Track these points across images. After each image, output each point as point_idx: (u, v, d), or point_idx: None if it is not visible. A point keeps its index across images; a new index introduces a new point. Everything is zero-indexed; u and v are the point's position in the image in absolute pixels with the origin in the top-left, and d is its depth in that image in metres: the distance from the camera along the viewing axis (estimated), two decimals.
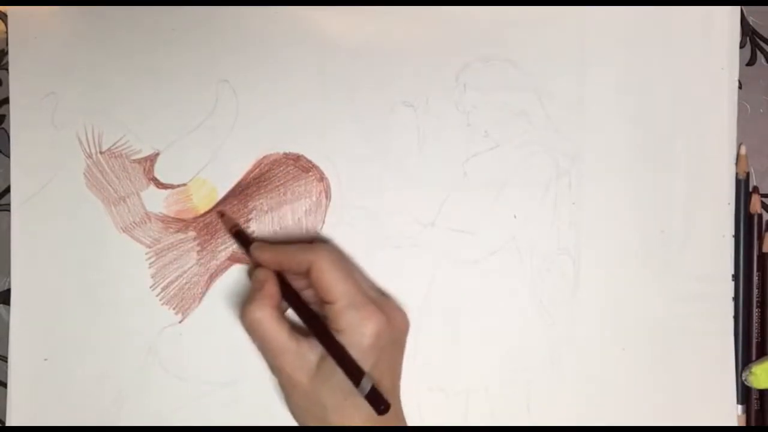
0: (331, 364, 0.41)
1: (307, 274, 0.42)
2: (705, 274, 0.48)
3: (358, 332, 0.41)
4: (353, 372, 0.40)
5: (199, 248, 0.48)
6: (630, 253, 0.48)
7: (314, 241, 0.47)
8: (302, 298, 0.44)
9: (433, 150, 0.48)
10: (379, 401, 0.39)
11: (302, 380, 0.41)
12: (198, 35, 0.48)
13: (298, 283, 0.44)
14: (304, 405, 0.42)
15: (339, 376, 0.40)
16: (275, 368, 0.42)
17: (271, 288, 0.43)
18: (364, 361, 0.41)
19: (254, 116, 0.48)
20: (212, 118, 0.48)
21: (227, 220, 0.47)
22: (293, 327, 0.42)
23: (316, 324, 0.42)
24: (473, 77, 0.48)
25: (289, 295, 0.43)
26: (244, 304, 0.42)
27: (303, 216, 0.48)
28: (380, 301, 0.43)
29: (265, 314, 0.41)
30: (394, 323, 0.42)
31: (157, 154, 0.48)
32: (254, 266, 0.45)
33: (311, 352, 0.42)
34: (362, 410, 0.40)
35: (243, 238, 0.47)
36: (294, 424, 0.44)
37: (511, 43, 0.48)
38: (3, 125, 0.49)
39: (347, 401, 0.41)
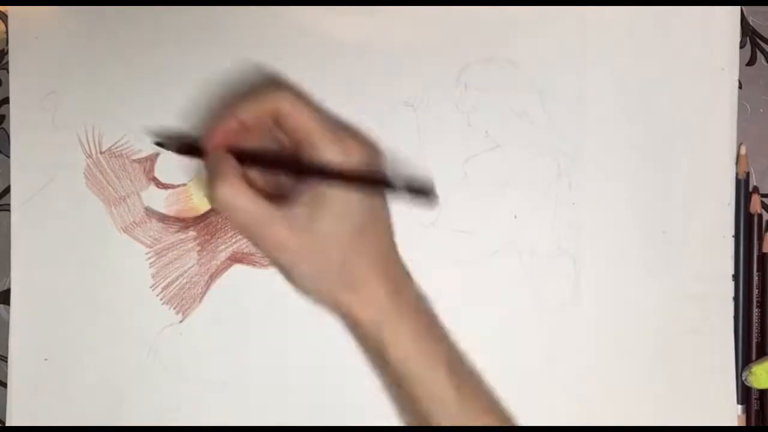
0: (325, 207, 0.38)
1: (276, 124, 0.40)
2: (705, 274, 0.48)
3: (350, 152, 0.39)
4: (376, 181, 0.37)
5: (199, 248, 0.48)
6: (630, 253, 0.48)
7: (266, 86, 0.44)
8: (270, 153, 0.41)
9: (434, 150, 0.48)
10: (425, 189, 0.35)
11: (302, 239, 0.38)
12: (199, 35, 0.48)
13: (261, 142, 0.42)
14: (314, 268, 0.39)
15: (339, 210, 0.38)
16: (268, 244, 0.39)
17: (227, 162, 0.39)
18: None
19: None
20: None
21: (170, 145, 0.44)
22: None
23: (303, 165, 0.39)
24: (474, 77, 0.48)
25: (257, 159, 0.41)
26: (211, 190, 0.39)
27: None
28: (353, 133, 0.41)
29: (234, 186, 0.38)
30: (373, 153, 0.41)
31: (158, 154, 0.48)
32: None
33: (298, 206, 0.39)
34: (376, 237, 0.39)
35: (193, 149, 0.43)
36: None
37: (511, 44, 0.48)
38: (3, 125, 0.49)
39: (360, 235, 0.39)
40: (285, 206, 0.39)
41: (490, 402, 0.43)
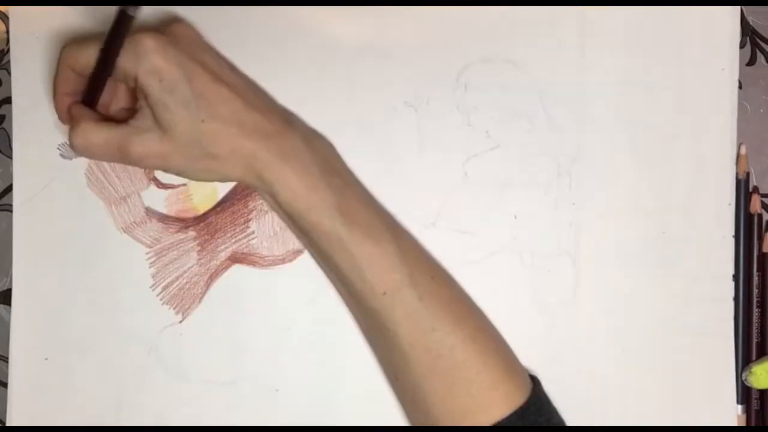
0: (164, 111, 0.40)
1: (80, 74, 0.43)
2: (705, 275, 0.48)
3: (143, 53, 0.40)
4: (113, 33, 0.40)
5: (199, 248, 0.48)
6: (630, 253, 0.48)
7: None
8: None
9: (434, 150, 0.48)
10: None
11: (155, 135, 0.41)
12: None
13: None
14: (184, 155, 0.41)
15: (174, 108, 0.40)
16: (134, 161, 0.42)
17: (75, 111, 0.42)
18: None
19: None
20: None
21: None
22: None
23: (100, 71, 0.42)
24: (474, 77, 0.48)
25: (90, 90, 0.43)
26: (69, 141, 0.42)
27: None
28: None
29: (86, 131, 0.41)
30: (169, 33, 0.42)
31: None
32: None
33: (143, 118, 0.41)
34: (204, 84, 0.41)
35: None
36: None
37: (511, 44, 0.48)
38: (4, 125, 0.49)
39: (205, 121, 0.41)
40: (130, 122, 0.41)
41: (400, 249, 0.43)
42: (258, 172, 0.41)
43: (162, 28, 0.42)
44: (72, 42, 0.43)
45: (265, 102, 0.44)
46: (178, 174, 0.43)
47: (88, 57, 0.42)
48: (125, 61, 0.41)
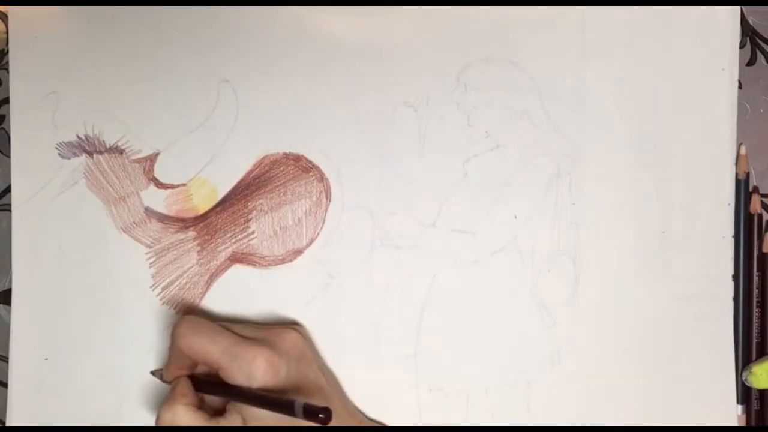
0: (251, 419, 0.41)
1: (196, 362, 0.43)
2: (705, 275, 0.48)
3: (253, 376, 0.41)
4: (280, 405, 0.40)
5: (199, 248, 0.48)
6: (630, 253, 0.48)
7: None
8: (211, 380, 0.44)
9: (434, 150, 0.48)
10: (317, 411, 0.38)
11: None
12: (199, 35, 0.48)
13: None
14: None
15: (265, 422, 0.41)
16: None
17: (180, 388, 0.43)
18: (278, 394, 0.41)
19: (255, 116, 0.48)
20: (213, 118, 0.48)
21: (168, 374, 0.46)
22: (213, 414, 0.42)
23: (227, 390, 0.42)
24: (474, 77, 0.48)
25: (202, 385, 0.44)
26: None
27: (303, 216, 0.48)
28: (261, 335, 0.43)
29: (176, 413, 0.41)
30: (282, 347, 0.42)
31: (157, 154, 0.48)
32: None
33: (232, 422, 0.41)
34: None
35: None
36: None
37: (511, 44, 0.48)
38: (3, 125, 0.49)
39: None
40: (220, 420, 0.41)
41: None
42: None
43: (274, 337, 0.43)
44: (191, 330, 0.43)
45: (350, 408, 0.46)
46: None
47: (207, 359, 0.42)
48: (235, 372, 0.41)
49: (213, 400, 0.44)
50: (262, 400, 0.41)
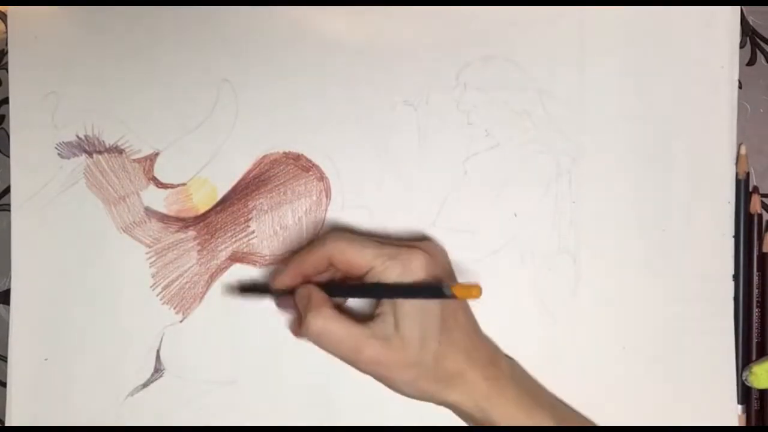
0: (405, 316, 0.41)
1: (333, 266, 0.43)
2: (705, 274, 0.48)
3: (411, 271, 0.41)
4: (431, 290, 0.40)
5: (199, 248, 0.48)
6: (630, 252, 0.48)
7: (319, 235, 0.47)
8: (346, 281, 0.44)
9: (434, 149, 0.48)
10: (470, 287, 0.39)
11: (392, 350, 0.41)
12: (198, 35, 0.48)
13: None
14: (410, 374, 0.42)
15: (418, 314, 0.41)
16: (363, 362, 0.42)
17: (318, 294, 0.42)
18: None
19: (254, 115, 0.48)
20: (212, 118, 0.48)
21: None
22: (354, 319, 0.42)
23: (373, 288, 0.42)
24: (474, 76, 0.48)
25: (335, 288, 0.43)
26: (303, 322, 0.41)
27: (303, 215, 0.48)
28: (410, 244, 0.43)
29: (326, 318, 0.41)
30: (435, 256, 0.43)
31: (157, 154, 0.48)
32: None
33: (385, 325, 0.41)
34: (459, 327, 0.42)
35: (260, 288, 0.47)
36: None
37: (511, 43, 0.48)
38: (3, 125, 0.49)
39: (445, 330, 0.41)
40: (370, 324, 0.41)
41: None
42: (476, 400, 0.42)
43: (418, 243, 0.43)
44: (343, 237, 0.43)
45: (477, 330, 0.45)
46: (391, 386, 0.43)
47: (360, 262, 0.42)
48: (392, 271, 0.41)
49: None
50: (412, 289, 0.41)
